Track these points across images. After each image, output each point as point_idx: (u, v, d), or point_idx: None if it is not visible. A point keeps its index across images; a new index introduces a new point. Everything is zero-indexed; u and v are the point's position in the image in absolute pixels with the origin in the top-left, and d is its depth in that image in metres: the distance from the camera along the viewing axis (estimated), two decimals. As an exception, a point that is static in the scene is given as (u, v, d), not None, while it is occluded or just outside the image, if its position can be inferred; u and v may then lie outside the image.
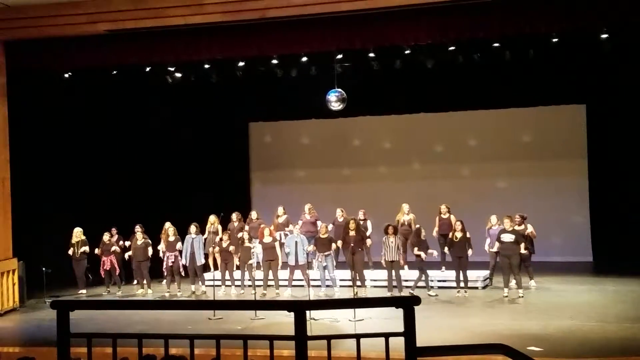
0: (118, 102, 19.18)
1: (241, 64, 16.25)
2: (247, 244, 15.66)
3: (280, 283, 15.58)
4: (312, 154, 20.91)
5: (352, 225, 15.05)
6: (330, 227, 16.04)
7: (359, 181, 20.38)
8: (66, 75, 16.49)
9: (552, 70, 17.35)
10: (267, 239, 15.55)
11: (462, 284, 14.67)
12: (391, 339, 4.46)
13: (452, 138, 19.90)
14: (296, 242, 15.27)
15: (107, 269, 16.31)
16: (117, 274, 16.43)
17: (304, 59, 15.92)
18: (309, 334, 4.30)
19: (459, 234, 14.75)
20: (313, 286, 14.94)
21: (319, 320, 11.82)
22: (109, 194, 19.13)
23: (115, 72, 16.60)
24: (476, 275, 15.26)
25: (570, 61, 16.75)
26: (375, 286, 15.78)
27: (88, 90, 18.19)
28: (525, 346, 10.21)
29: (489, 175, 19.56)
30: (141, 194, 19.71)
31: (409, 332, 4.18)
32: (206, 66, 16.39)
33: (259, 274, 15.55)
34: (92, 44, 15.12)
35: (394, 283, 14.97)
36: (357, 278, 14.79)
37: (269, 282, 15.52)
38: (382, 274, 15.66)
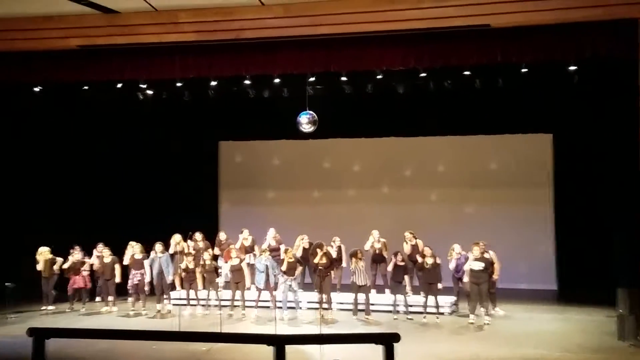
0: (88, 117, 18.99)
1: (214, 83, 16.21)
2: (207, 265, 15.60)
3: (247, 304, 15.50)
4: (282, 175, 20.88)
5: (321, 248, 15.09)
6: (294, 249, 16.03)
7: (329, 203, 20.37)
8: (36, 89, 16.32)
9: (521, 99, 17.49)
10: (235, 261, 15.49)
11: (432, 310, 14.70)
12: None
13: (421, 163, 20.01)
14: (266, 265, 15.25)
15: (79, 287, 16.20)
16: (85, 290, 16.35)
17: (277, 80, 15.93)
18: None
19: (429, 260, 14.80)
20: (278, 307, 14.93)
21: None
22: (73, 211, 18.88)
23: (86, 87, 16.50)
24: (443, 301, 15.31)
25: (538, 90, 16.89)
26: (342, 309, 15.76)
27: (58, 105, 17.99)
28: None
29: (457, 201, 19.66)
30: (106, 211, 19.46)
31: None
32: (178, 84, 16.35)
33: (225, 293, 15.47)
34: (64, 58, 14.99)
35: (360, 307, 14.97)
36: (325, 300, 14.79)
37: (236, 303, 15.44)
38: (349, 296, 15.66)
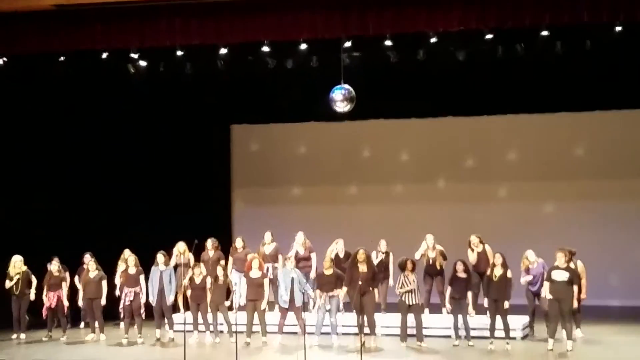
0: (64, 96, 19.01)
1: (223, 51, 16.19)
2: (221, 280, 15.60)
3: (268, 329, 15.51)
4: (311, 166, 20.90)
5: (361, 256, 14.94)
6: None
7: (369, 202, 20.40)
8: (0, 62, 16.42)
9: (614, 67, 17.26)
10: (256, 273, 15.45)
11: (501, 334, 14.57)
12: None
13: (487, 149, 19.94)
14: (292, 278, 15.19)
15: (53, 306, 16.23)
16: (64, 314, 16.39)
17: (303, 46, 15.89)
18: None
19: (499, 271, 14.62)
20: (308, 333, 14.86)
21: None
22: (50, 214, 19.00)
23: (62, 58, 16.54)
24: (514, 323, 15.19)
25: (637, 55, 16.70)
26: (387, 334, 15.71)
27: (28, 81, 18.08)
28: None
29: (532, 197, 19.61)
30: (92, 215, 19.57)
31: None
32: (179, 53, 16.33)
33: (240, 316, 15.48)
34: (36, 22, 15.07)
35: (410, 331, 14.89)
36: (366, 324, 14.73)
37: (254, 328, 15.44)
38: (396, 318, 15.60)
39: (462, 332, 15.09)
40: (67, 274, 16.71)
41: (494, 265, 14.78)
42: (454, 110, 19.26)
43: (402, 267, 14.94)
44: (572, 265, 14.75)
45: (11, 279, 16.25)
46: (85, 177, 19.71)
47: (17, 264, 16.28)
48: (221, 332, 15.82)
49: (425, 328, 15.06)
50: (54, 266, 16.40)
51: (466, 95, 18.53)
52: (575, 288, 14.34)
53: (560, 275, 14.25)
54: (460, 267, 14.94)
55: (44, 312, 16.33)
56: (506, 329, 14.64)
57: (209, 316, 15.82)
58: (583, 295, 14.85)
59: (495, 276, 14.65)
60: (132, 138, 20.07)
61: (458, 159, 20.16)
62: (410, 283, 14.76)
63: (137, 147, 20.13)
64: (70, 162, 19.54)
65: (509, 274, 14.72)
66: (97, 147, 19.86)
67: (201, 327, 15.88)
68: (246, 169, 21.50)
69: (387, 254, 16.32)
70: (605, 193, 19.21)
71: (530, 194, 19.63)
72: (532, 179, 19.59)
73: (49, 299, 16.25)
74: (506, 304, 14.64)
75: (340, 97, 15.26)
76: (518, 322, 15.40)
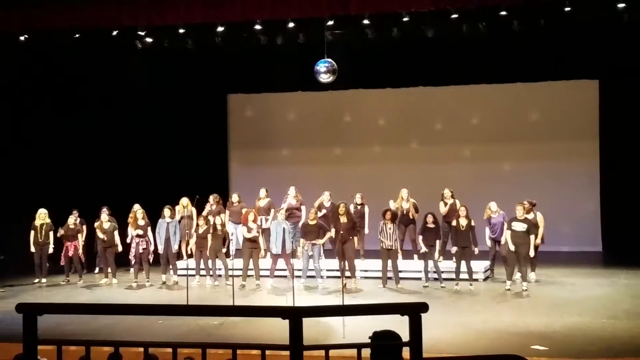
0: (80, 70, 18.94)
1: (221, 29, 16.10)
2: (219, 230, 15.63)
3: (261, 273, 15.59)
4: (299, 131, 20.86)
5: (341, 209, 15.04)
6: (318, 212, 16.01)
7: (351, 162, 20.39)
8: (22, 38, 16.26)
9: (564, 43, 17.33)
10: (252, 225, 15.51)
11: (466, 276, 14.70)
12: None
13: (454, 115, 19.93)
14: (284, 228, 15.25)
15: (70, 255, 16.24)
16: (80, 261, 16.39)
17: (291, 24, 15.81)
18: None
19: (464, 221, 14.76)
20: (297, 277, 14.96)
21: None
22: (69, 174, 18.98)
23: (78, 35, 16.41)
24: (477, 267, 15.32)
25: (583, 32, 16.70)
26: (366, 277, 15.81)
27: (46, 56, 17.96)
28: (529, 345, 10.32)
29: (493, 157, 19.67)
30: (106, 174, 19.57)
31: (416, 341, 4.16)
32: (181, 31, 16.23)
33: (237, 262, 15.53)
34: (51, 2, 14.91)
35: (389, 274, 15.00)
36: (347, 268, 14.82)
37: (249, 272, 15.51)
38: (375, 263, 15.71)
39: (431, 275, 15.22)
40: (84, 226, 16.69)
41: (459, 216, 14.87)
42: (424, 81, 19.28)
43: (383, 215, 15.03)
44: (532, 215, 14.87)
45: (35, 230, 16.24)
46: (102, 142, 19.69)
47: (41, 216, 16.24)
48: (220, 276, 15.88)
49: (400, 271, 15.20)
50: (71, 219, 16.40)
51: (435, 68, 18.60)
52: (532, 237, 14.47)
53: (519, 226, 14.39)
54: (430, 218, 15.03)
55: (63, 259, 16.35)
56: (470, 272, 14.80)
57: (209, 262, 15.89)
58: (538, 241, 14.95)
59: (462, 226, 14.77)
60: (143, 108, 20.04)
61: (428, 123, 20.16)
62: (388, 231, 14.85)
63: (147, 115, 20.13)
64: (88, 131, 19.48)
65: (473, 223, 14.84)
66: (113, 116, 19.81)
67: (202, 272, 15.96)
68: (241, 133, 21.45)
69: (362, 205, 16.33)
70: (557, 153, 19.25)
71: (491, 154, 19.68)
72: (493, 141, 19.63)
73: (66, 248, 16.26)
74: (475, 250, 14.76)
75: (324, 70, 15.25)
76: (480, 266, 15.52)
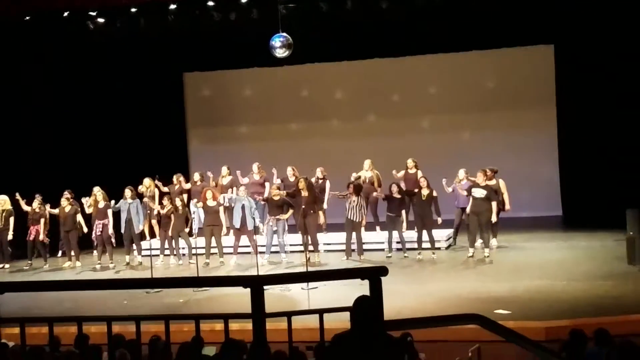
0: (32, 53, 18.71)
1: (172, 6, 16.04)
2: (181, 210, 15.66)
3: (224, 250, 15.63)
4: (257, 107, 20.82)
5: (302, 184, 15.10)
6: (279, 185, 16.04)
7: (310, 137, 20.42)
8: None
9: (518, 8, 17.40)
10: (211, 203, 15.54)
11: (427, 245, 14.87)
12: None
13: (411, 87, 20.00)
14: (243, 204, 15.27)
15: (32, 239, 16.17)
16: (43, 245, 16.33)
17: (244, 0, 15.76)
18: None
19: (425, 191, 14.91)
20: (260, 252, 15.03)
21: (268, 290, 11.83)
22: (28, 157, 18.80)
23: (28, 17, 16.22)
24: (439, 235, 15.50)
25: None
26: (329, 250, 15.93)
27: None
28: (492, 309, 10.50)
29: (451, 127, 19.77)
30: (65, 157, 19.43)
31: (376, 304, 4.26)
32: (133, 10, 16.13)
33: (197, 242, 15.58)
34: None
35: (353, 247, 15.12)
36: (310, 242, 14.92)
37: (212, 250, 15.55)
38: (337, 237, 15.82)
39: (394, 246, 15.36)
40: (47, 211, 16.57)
41: (420, 187, 15.00)
42: (380, 53, 19.31)
43: (347, 187, 15.09)
44: (494, 182, 15.04)
45: None
46: (59, 126, 19.50)
47: (1, 202, 16.18)
48: (183, 255, 15.90)
49: (363, 243, 15.32)
50: (35, 203, 16.28)
51: (390, 39, 18.62)
52: (494, 204, 14.64)
53: (478, 192, 14.58)
54: (394, 188, 15.14)
55: (28, 243, 16.28)
56: (432, 241, 14.94)
57: (173, 242, 15.89)
58: (508, 207, 15.11)
59: (423, 196, 14.90)
60: (100, 90, 19.87)
61: (385, 96, 20.19)
62: (352, 203, 14.94)
63: (103, 96, 19.94)
64: (45, 115, 19.29)
65: (435, 193, 14.98)
66: (69, 99, 19.62)
67: (167, 252, 15.96)
68: (199, 112, 21.37)
69: (323, 179, 16.38)
70: (515, 120, 19.41)
71: (449, 124, 19.78)
72: (451, 111, 19.72)
73: (30, 233, 16.19)
74: (439, 220, 14.90)
75: (279, 44, 15.27)
76: (442, 234, 15.70)
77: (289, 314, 4.53)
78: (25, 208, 16.26)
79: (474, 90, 19.64)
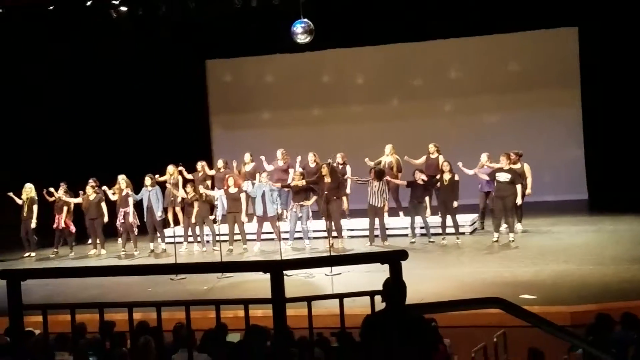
0: (56, 42, 18.82)
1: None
2: (205, 197, 15.68)
3: (247, 237, 15.66)
4: (278, 93, 20.82)
5: (324, 170, 15.04)
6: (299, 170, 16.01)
7: (332, 122, 20.40)
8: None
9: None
10: (233, 190, 15.55)
11: (452, 230, 14.81)
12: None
13: (433, 70, 19.92)
14: (264, 191, 15.27)
15: (59, 227, 16.28)
16: (70, 233, 16.41)
17: (265, -14, 15.77)
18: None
19: (447, 176, 14.84)
20: (284, 239, 15.02)
21: (292, 276, 11.90)
22: (54, 146, 18.96)
23: (52, 7, 16.30)
24: (463, 220, 15.43)
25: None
26: (352, 236, 15.92)
27: (23, 29, 17.82)
28: (517, 294, 10.42)
29: (474, 110, 19.69)
30: (89, 145, 19.55)
31: (388, 291, 4.24)
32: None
33: (222, 229, 15.59)
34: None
35: (376, 232, 15.10)
36: (333, 228, 14.90)
37: (235, 237, 15.58)
38: (360, 222, 15.79)
39: (419, 231, 15.30)
40: (72, 199, 16.67)
41: (442, 171, 14.92)
42: (402, 37, 19.21)
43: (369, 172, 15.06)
44: (518, 165, 14.93)
45: (22, 204, 16.28)
46: (83, 114, 19.61)
47: (26, 190, 16.30)
48: (207, 242, 15.94)
49: (387, 229, 15.29)
50: (59, 192, 16.37)
51: (412, 23, 18.52)
52: (518, 187, 14.54)
53: (503, 176, 14.48)
54: (418, 175, 15.07)
55: (56, 232, 16.40)
56: (456, 226, 14.88)
57: (197, 228, 15.94)
58: (529, 191, 15.01)
59: (445, 181, 14.83)
60: (122, 78, 19.96)
61: (408, 80, 20.14)
62: (373, 189, 14.91)
63: (126, 84, 20.01)
64: (70, 103, 19.41)
65: (457, 177, 14.91)
66: (93, 86, 19.73)
67: (190, 239, 16.01)
68: (221, 98, 21.41)
69: (343, 165, 16.29)
70: (538, 103, 19.29)
71: (472, 107, 19.71)
72: (474, 94, 19.64)
73: (55, 221, 16.28)
74: (455, 204, 14.84)
75: (300, 30, 15.23)
76: (466, 219, 15.63)
77: (308, 299, 4.51)
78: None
79: (497, 74, 19.53)
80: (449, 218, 14.86)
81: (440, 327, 7.41)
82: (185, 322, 4.60)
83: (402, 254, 4.23)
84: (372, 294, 4.44)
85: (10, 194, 16.33)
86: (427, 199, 15.20)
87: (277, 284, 4.12)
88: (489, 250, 14.25)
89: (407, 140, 18.12)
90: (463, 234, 15.31)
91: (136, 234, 15.97)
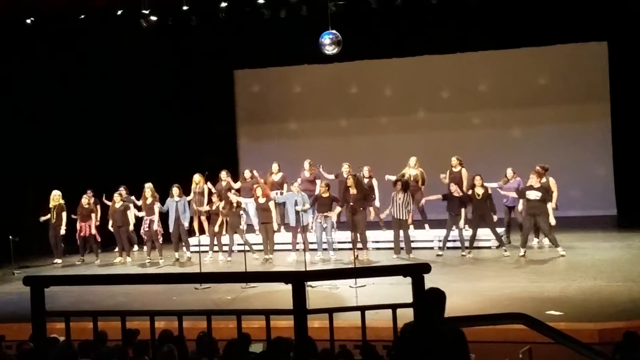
0: (87, 51, 18.95)
1: (224, 4, 16.10)
2: (235, 206, 15.66)
3: (285, 247, 15.73)
4: (306, 104, 20.84)
5: (350, 181, 15.03)
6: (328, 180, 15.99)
7: (358, 133, 20.36)
8: (28, 21, 16.29)
9: (570, 4, 17.16)
10: (261, 200, 15.54)
11: (483, 244, 14.70)
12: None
13: (460, 83, 19.83)
14: (296, 200, 15.25)
15: (84, 235, 16.37)
16: (95, 240, 16.49)
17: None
18: (307, 303, 4.32)
19: (480, 190, 14.73)
20: (311, 250, 14.97)
21: (317, 288, 11.86)
22: (82, 154, 19.06)
23: (82, 16, 16.44)
24: (488, 234, 15.32)
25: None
26: (378, 248, 15.84)
27: (53, 38, 17.99)
28: (544, 310, 10.30)
29: (502, 123, 19.60)
30: (116, 153, 19.64)
31: (419, 302, 4.19)
32: (185, 8, 16.22)
33: (250, 238, 15.61)
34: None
35: (402, 244, 15.02)
36: (358, 240, 14.84)
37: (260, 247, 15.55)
38: (386, 234, 15.73)
39: (450, 244, 15.14)
40: (98, 206, 16.76)
41: (474, 185, 14.81)
42: (430, 49, 19.13)
43: (394, 186, 15.01)
44: (544, 180, 14.80)
45: (49, 211, 16.35)
46: (111, 122, 19.73)
47: (55, 197, 16.36)
48: (240, 251, 15.85)
49: (412, 241, 15.21)
50: (85, 199, 16.47)
51: (440, 35, 18.40)
52: (549, 205, 14.39)
53: (533, 194, 14.35)
54: (453, 187, 15.01)
55: (78, 239, 16.48)
56: (497, 237, 14.80)
57: (224, 238, 15.88)
58: (554, 205, 14.87)
59: (478, 195, 14.72)
60: (151, 86, 20.05)
61: (435, 92, 20.07)
62: (397, 201, 14.86)
63: (155, 93, 20.12)
64: (99, 111, 19.53)
65: (490, 191, 14.81)
66: (122, 95, 19.85)
67: (215, 248, 16.02)
68: (249, 108, 21.45)
69: (369, 178, 16.19)
70: (567, 117, 19.17)
71: (500, 121, 19.62)
72: (501, 107, 19.56)
73: (81, 228, 16.37)
74: (495, 217, 14.72)
75: (328, 41, 15.26)
76: (491, 234, 15.50)
77: (330, 311, 4.48)
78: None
79: (525, 87, 19.42)
80: (481, 230, 14.69)
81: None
82: (212, 331, 4.59)
83: (425, 267, 4.20)
84: (394, 306, 4.39)
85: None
86: (463, 211, 15.08)
87: (299, 295, 4.09)
88: (515, 264, 14.08)
89: (433, 152, 18.08)
90: (488, 248, 15.21)
91: (160, 242, 16.00)
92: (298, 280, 4.11)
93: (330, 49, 15.30)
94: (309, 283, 11.17)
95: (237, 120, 21.62)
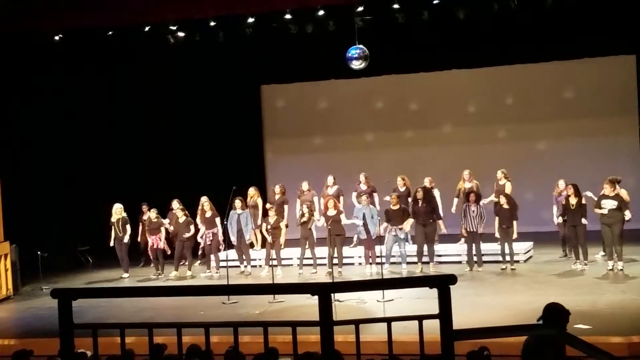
0: (116, 67, 19.15)
1: (251, 20, 16.20)
2: (306, 218, 15.56)
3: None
4: (332, 118, 20.83)
5: (419, 194, 15.05)
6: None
7: (384, 147, 20.33)
8: (57, 38, 16.48)
9: (598, 18, 17.02)
10: (332, 212, 15.37)
11: (581, 256, 14.57)
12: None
13: (487, 97, 19.76)
14: (364, 213, 15.15)
15: (160, 247, 16.15)
16: (163, 254, 16.27)
17: (321, 12, 15.84)
18: (334, 317, 4.31)
19: (573, 200, 14.53)
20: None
21: (344, 302, 11.82)
22: (111, 169, 19.24)
23: (110, 32, 16.60)
24: (518, 248, 15.23)
25: (617, 6, 16.45)
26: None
27: (82, 55, 18.18)
28: (572, 324, 10.14)
29: (529, 137, 19.47)
30: (142, 168, 19.78)
31: (445, 314, 4.16)
32: (212, 24, 16.34)
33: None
34: (84, 1, 15.09)
35: (475, 258, 14.96)
36: (426, 253, 14.89)
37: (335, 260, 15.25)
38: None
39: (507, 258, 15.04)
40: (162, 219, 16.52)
41: (568, 195, 14.63)
42: (456, 64, 19.04)
43: (467, 198, 15.09)
44: (616, 191, 14.62)
45: (113, 225, 16.27)
46: (139, 137, 19.87)
47: (117, 211, 16.24)
48: (302, 265, 15.74)
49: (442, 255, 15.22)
50: (153, 213, 16.27)
51: (467, 50, 18.30)
52: (627, 212, 14.24)
53: (609, 203, 14.18)
54: (503, 199, 14.94)
55: (150, 253, 16.38)
56: (585, 252, 14.59)
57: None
58: (629, 216, 14.55)
59: (572, 205, 14.54)
60: (178, 101, 20.17)
61: (461, 106, 19.99)
62: (471, 213, 14.81)
63: (181, 109, 20.23)
64: (128, 127, 19.69)
65: (584, 201, 14.65)
66: (150, 110, 19.99)
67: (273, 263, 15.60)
68: (275, 123, 21.48)
69: (431, 188, 16.07)
70: (595, 130, 19.04)
71: (526, 134, 19.50)
72: (528, 121, 19.42)
73: (152, 242, 16.19)
74: (584, 223, 14.50)
75: (355, 56, 15.31)
76: (522, 247, 15.46)
77: (356, 322, 4.46)
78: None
79: (552, 101, 19.31)
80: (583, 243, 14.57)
81: (493, 356, 7.28)
82: (240, 346, 4.59)
83: (450, 279, 4.17)
84: (420, 318, 4.37)
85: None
86: (515, 223, 14.97)
87: (325, 307, 4.08)
88: (546, 278, 14.02)
89: (459, 166, 17.91)
90: (517, 261, 15.09)
91: (219, 256, 15.85)
92: (324, 291, 4.10)
93: (357, 64, 15.33)
94: (336, 297, 11.18)
95: (263, 135, 21.66)
